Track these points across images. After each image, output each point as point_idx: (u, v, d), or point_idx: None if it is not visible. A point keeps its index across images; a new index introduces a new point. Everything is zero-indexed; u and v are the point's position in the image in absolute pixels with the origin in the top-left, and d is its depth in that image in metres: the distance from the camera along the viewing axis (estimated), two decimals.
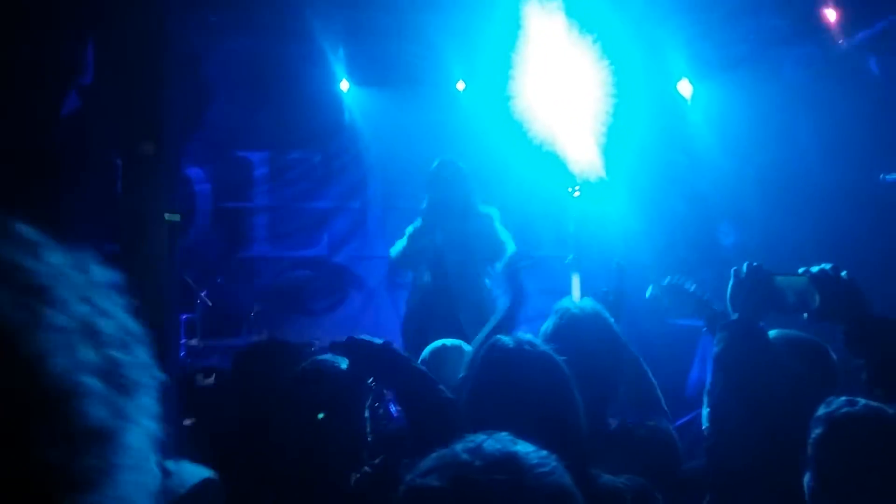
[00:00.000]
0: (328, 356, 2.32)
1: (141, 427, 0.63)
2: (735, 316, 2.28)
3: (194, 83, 6.54)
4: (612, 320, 2.52)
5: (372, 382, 2.37)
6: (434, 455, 1.03)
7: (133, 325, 0.67)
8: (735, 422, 2.14)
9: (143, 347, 0.67)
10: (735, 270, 2.32)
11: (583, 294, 4.49)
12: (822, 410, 1.75)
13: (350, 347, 2.25)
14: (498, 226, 4.67)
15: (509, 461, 1.01)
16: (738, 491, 2.13)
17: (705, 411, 2.25)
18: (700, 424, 3.08)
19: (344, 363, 2.26)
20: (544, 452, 1.04)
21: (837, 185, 5.99)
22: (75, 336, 0.61)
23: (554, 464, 1.03)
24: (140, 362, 0.65)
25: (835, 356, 2.26)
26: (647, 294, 2.97)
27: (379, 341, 2.31)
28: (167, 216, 4.56)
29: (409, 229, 4.77)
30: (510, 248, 4.55)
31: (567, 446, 1.74)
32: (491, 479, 0.98)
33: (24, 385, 0.57)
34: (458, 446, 1.02)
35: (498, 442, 1.03)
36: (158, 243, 4.55)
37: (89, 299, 0.64)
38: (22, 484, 0.57)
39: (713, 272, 5.93)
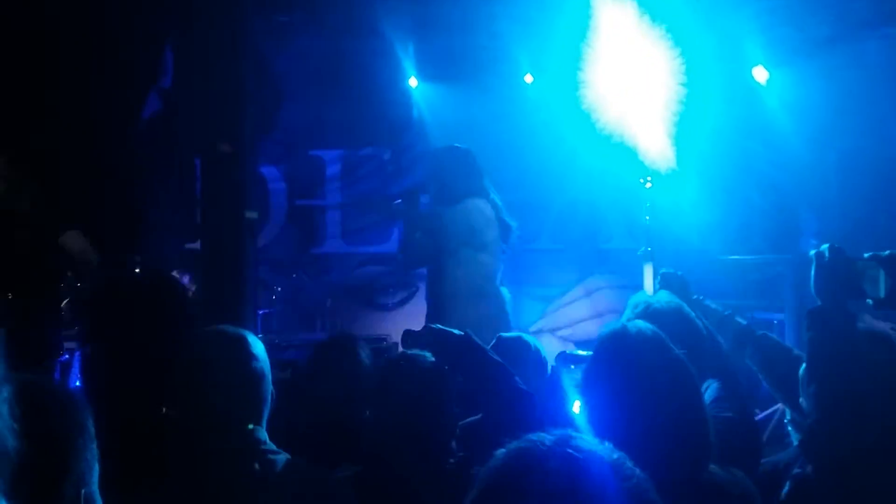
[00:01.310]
0: (415, 350, 2.34)
1: None
2: (820, 302, 2.21)
3: (268, 83, 6.69)
4: (693, 315, 2.47)
5: (449, 371, 2.38)
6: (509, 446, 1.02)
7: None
8: (837, 410, 2.09)
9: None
10: (817, 254, 2.25)
11: (655, 288, 4.42)
12: None
13: (430, 338, 2.28)
14: (504, 214, 4.46)
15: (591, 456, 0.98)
16: (841, 480, 2.07)
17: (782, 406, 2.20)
18: (776, 420, 3.01)
19: (430, 357, 2.28)
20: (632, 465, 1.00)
21: None
22: None
23: (636, 469, 1.00)
24: None
25: None
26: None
27: (458, 332, 2.33)
28: (247, 214, 4.68)
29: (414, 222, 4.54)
30: (514, 228, 4.43)
31: (694, 442, 1.72)
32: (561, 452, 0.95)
33: None
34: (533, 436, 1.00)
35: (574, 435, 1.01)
36: (237, 241, 4.67)
37: None
38: None
39: (790, 264, 5.78)
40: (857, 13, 6.10)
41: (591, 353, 1.90)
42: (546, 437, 0.98)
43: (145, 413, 1.92)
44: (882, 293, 2.14)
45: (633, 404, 1.71)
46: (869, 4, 6.07)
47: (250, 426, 1.86)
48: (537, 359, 3.19)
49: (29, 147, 4.23)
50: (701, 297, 2.85)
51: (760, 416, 4.16)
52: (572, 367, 3.86)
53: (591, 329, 6.28)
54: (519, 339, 3.16)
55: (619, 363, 1.79)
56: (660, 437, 1.67)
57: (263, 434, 1.89)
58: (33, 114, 4.69)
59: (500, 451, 0.98)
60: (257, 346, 1.95)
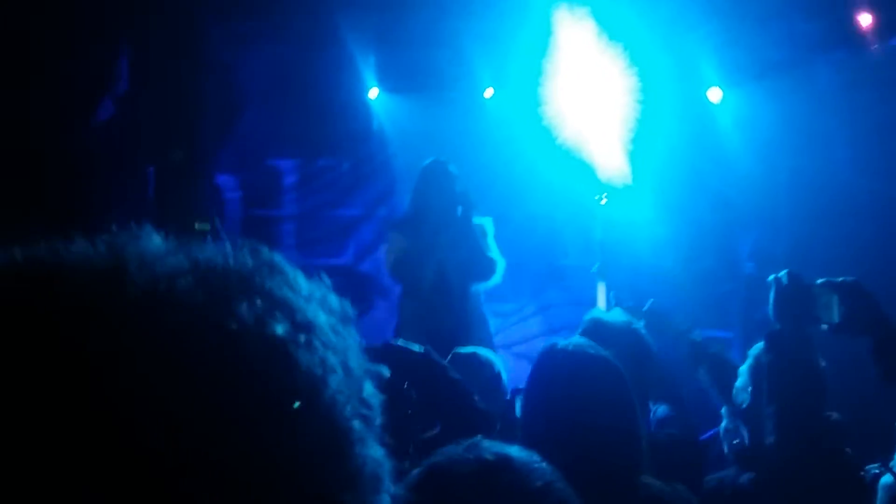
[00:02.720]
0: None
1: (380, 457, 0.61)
2: (779, 326, 2.26)
3: (226, 91, 6.63)
4: (643, 332, 2.51)
5: (407, 389, 2.36)
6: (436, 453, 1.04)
7: (363, 357, 0.65)
8: (795, 431, 2.14)
9: (369, 381, 0.64)
10: (776, 280, 2.29)
11: (608, 304, 4.47)
12: None
13: (388, 354, 2.26)
14: (490, 241, 4.44)
15: (504, 461, 1.01)
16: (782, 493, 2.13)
17: (724, 424, 2.24)
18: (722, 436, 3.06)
19: (385, 372, 2.24)
20: (537, 457, 1.05)
21: (870, 195, 5.90)
22: (343, 375, 0.59)
23: (547, 468, 1.04)
24: (371, 395, 0.63)
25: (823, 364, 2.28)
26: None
27: (418, 348, 2.32)
28: (197, 225, 4.62)
29: (392, 235, 4.48)
30: (500, 266, 4.39)
31: (624, 452, 1.75)
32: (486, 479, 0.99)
33: (320, 436, 0.55)
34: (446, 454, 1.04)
35: (494, 446, 1.05)
36: None
37: (339, 333, 0.62)
38: None
39: (739, 282, 5.88)
40: (806, 37, 6.26)
41: None
42: (458, 447, 1.03)
43: None
44: (836, 318, 2.19)
45: (565, 416, 1.75)
46: (818, 28, 6.24)
47: None
48: (492, 375, 3.20)
49: None
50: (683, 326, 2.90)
51: (709, 433, 4.23)
52: None
53: None
54: (475, 354, 3.16)
55: (549, 378, 1.83)
56: (590, 447, 1.70)
57: None
58: None
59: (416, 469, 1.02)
60: None
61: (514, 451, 1.04)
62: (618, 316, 2.61)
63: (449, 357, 3.05)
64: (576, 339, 1.95)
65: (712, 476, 2.82)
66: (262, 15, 6.58)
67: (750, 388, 2.47)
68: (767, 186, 6.37)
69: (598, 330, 2.45)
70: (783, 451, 2.14)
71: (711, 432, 4.24)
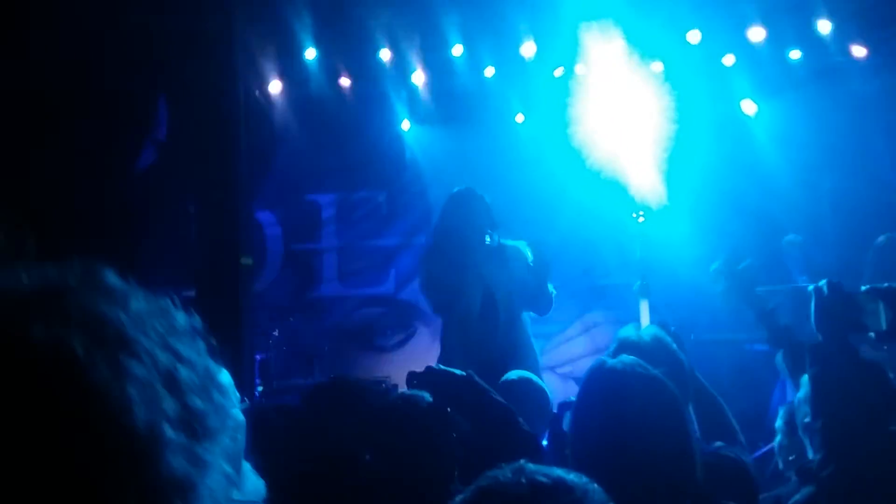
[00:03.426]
0: (412, 391, 2.30)
1: (218, 470, 0.65)
2: (821, 338, 2.21)
3: (263, 129, 6.76)
4: (674, 346, 2.47)
5: (451, 414, 2.35)
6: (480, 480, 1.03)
7: (213, 368, 0.69)
8: (847, 446, 2.09)
9: (221, 390, 0.68)
10: (816, 289, 2.25)
11: (652, 321, 4.42)
12: None
13: (431, 378, 2.26)
14: (536, 266, 4.21)
15: (559, 483, 0.99)
16: None
17: (778, 439, 2.20)
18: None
19: (428, 397, 2.25)
20: (594, 484, 1.03)
21: None
22: (157, 386, 0.63)
23: (605, 496, 1.02)
24: (218, 406, 0.67)
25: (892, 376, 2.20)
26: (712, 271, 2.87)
27: (461, 373, 2.32)
28: (242, 260, 4.69)
29: (428, 263, 4.28)
30: (555, 297, 4.24)
31: (679, 473, 1.72)
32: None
33: (109, 438, 0.60)
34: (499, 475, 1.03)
35: (548, 470, 1.03)
36: (234, 287, 4.67)
37: (171, 347, 0.66)
38: None
39: (787, 296, 5.77)
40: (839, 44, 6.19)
41: None
42: (508, 468, 1.00)
43: None
44: (883, 326, 2.15)
45: (617, 436, 1.72)
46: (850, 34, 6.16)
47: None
48: (541, 399, 3.17)
49: (28, 200, 4.26)
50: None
51: (764, 449, 4.14)
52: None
53: None
54: (523, 379, 3.14)
55: (599, 397, 1.81)
56: (643, 469, 1.67)
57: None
58: (32, 167, 4.73)
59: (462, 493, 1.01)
60: None
61: (567, 474, 1.02)
62: (650, 331, 2.58)
63: (499, 382, 3.03)
64: (624, 358, 1.92)
65: (769, 494, 2.75)
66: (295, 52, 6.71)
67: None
68: (809, 198, 6.27)
69: (626, 346, 2.43)
70: (830, 466, 2.08)
71: (766, 448, 4.16)
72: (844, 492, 2.08)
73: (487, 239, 4.10)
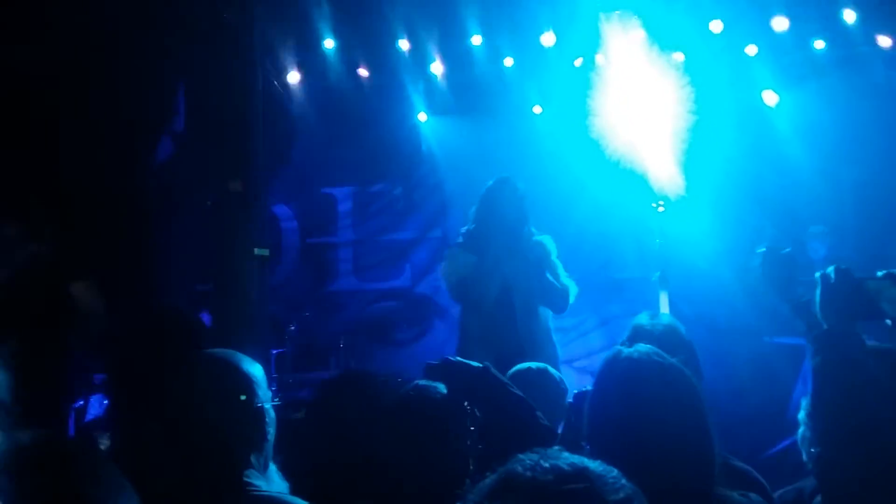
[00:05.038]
0: (427, 382, 2.29)
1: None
2: (826, 326, 2.16)
3: (280, 121, 6.76)
4: (686, 336, 2.44)
5: (467, 406, 2.34)
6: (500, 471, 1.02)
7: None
8: (845, 439, 2.03)
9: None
10: (823, 276, 2.18)
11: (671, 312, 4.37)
12: None
13: (447, 370, 2.24)
14: (557, 262, 4.26)
15: (581, 471, 0.98)
16: None
17: (801, 431, 2.15)
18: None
19: (443, 388, 2.24)
20: (615, 471, 1.01)
21: None
22: None
23: (626, 483, 1.01)
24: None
25: None
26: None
27: (477, 365, 2.29)
28: (257, 251, 4.68)
29: (455, 252, 4.26)
30: (573, 292, 4.23)
31: (699, 462, 1.69)
32: (564, 490, 0.95)
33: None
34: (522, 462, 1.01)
35: (569, 457, 1.02)
36: (249, 280, 4.67)
37: None
38: None
39: (811, 288, 5.67)
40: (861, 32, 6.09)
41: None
42: (531, 455, 1.00)
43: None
44: None
45: (635, 425, 1.69)
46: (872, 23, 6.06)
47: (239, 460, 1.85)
48: (558, 391, 3.14)
49: (49, 191, 4.29)
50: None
51: (786, 442, 4.09)
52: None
53: None
54: (540, 370, 3.11)
55: (617, 386, 1.78)
56: (663, 458, 1.64)
57: (255, 472, 1.88)
58: (52, 161, 4.75)
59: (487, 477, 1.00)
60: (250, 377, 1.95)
61: (590, 462, 1.01)
62: (664, 319, 2.55)
63: (511, 372, 3.01)
64: (640, 346, 1.89)
65: (791, 487, 2.71)
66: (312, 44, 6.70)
67: None
68: (831, 189, 6.18)
69: (639, 334, 2.40)
70: (828, 460, 2.03)
71: (788, 441, 4.10)
72: (843, 485, 2.03)
73: (526, 228, 4.09)
